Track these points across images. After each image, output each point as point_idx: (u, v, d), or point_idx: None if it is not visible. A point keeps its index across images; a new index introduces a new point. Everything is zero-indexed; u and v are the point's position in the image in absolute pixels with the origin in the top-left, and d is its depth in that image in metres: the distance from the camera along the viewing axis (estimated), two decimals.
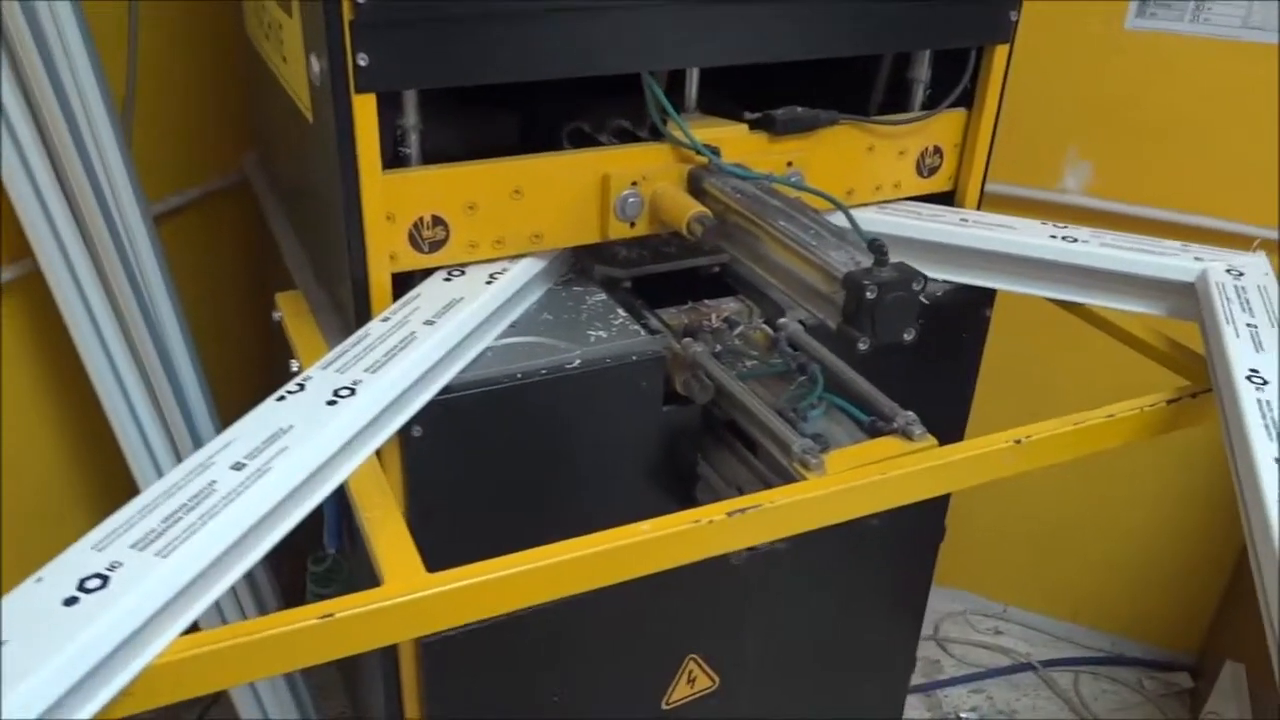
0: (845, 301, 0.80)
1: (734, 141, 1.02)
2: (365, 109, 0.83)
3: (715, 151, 1.00)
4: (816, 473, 0.84)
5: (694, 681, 1.23)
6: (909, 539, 1.33)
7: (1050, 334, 1.25)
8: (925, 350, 1.16)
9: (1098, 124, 1.57)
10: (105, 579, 0.59)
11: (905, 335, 0.82)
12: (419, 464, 0.93)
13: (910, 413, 0.90)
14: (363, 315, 0.92)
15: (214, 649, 0.63)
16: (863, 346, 0.80)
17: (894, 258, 1.13)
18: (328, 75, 0.83)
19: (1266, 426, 0.79)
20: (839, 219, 0.92)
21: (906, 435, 0.89)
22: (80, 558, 0.61)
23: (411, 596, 0.69)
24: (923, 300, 1.10)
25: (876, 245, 0.80)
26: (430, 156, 0.94)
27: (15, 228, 1.20)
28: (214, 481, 0.67)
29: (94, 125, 1.21)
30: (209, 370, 1.42)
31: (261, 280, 1.58)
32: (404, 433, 0.91)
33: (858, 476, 0.83)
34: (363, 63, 0.81)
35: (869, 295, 0.78)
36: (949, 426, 1.02)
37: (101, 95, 1.20)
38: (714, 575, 1.17)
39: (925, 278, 0.80)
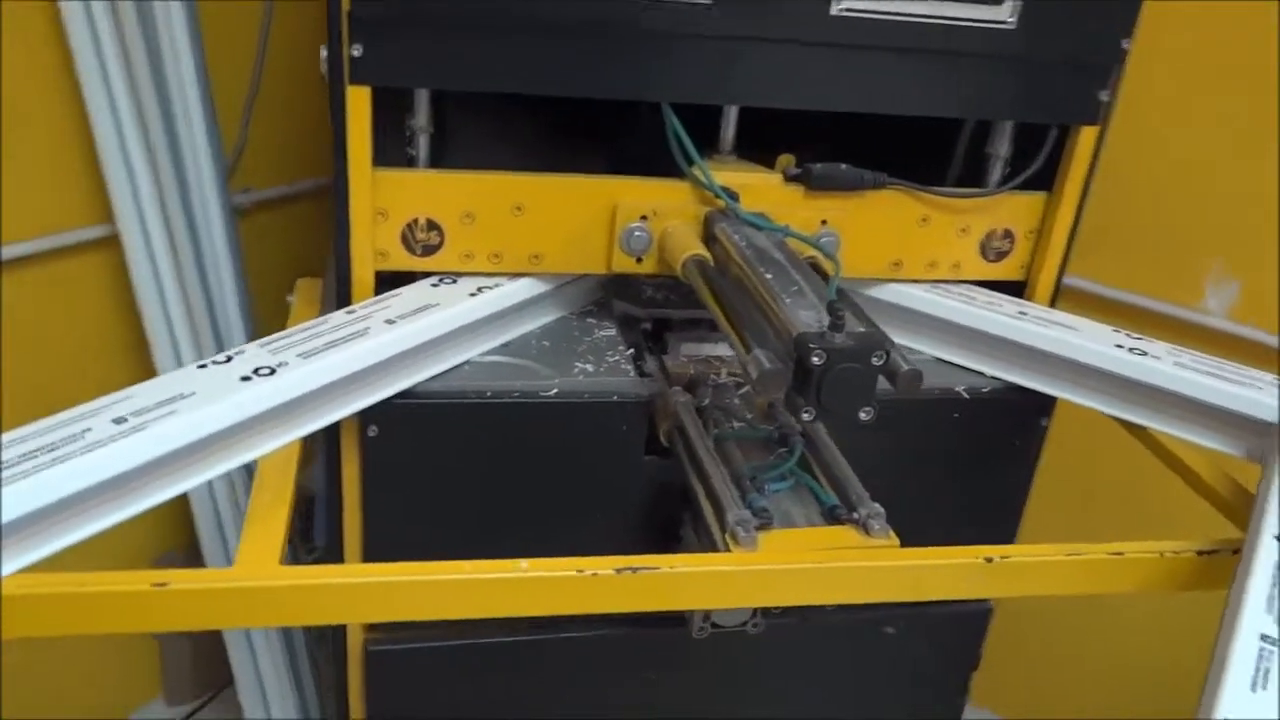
0: (795, 366, 0.72)
1: (764, 190, 0.96)
2: (358, 100, 0.84)
3: (734, 196, 0.94)
4: (745, 547, 0.76)
5: None
6: (936, 660, 1.20)
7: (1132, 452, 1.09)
8: (969, 455, 1.06)
9: (1252, 237, 1.38)
10: None
11: (861, 414, 0.72)
12: (373, 463, 0.92)
13: (878, 505, 0.80)
14: (345, 306, 0.92)
15: (42, 592, 0.64)
16: (807, 417, 0.72)
17: (930, 342, 1.03)
18: (327, 66, 0.84)
19: (1271, 599, 0.66)
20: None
21: (865, 528, 0.79)
22: None
23: (252, 583, 0.67)
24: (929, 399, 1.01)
25: (833, 306, 0.71)
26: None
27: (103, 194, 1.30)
28: (88, 429, 0.67)
29: (189, 111, 1.29)
30: None
31: None
32: (361, 431, 0.90)
33: (783, 560, 0.74)
34: (356, 54, 0.82)
35: (815, 361, 0.70)
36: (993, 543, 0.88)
37: (198, 81, 1.29)
38: (700, 651, 1.10)
39: (890, 347, 0.71)
